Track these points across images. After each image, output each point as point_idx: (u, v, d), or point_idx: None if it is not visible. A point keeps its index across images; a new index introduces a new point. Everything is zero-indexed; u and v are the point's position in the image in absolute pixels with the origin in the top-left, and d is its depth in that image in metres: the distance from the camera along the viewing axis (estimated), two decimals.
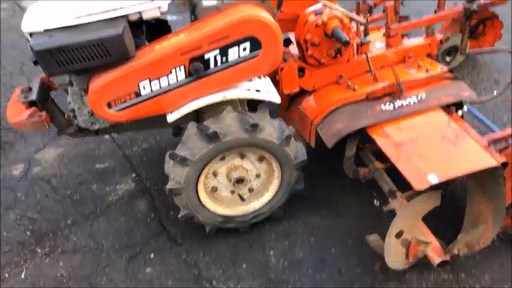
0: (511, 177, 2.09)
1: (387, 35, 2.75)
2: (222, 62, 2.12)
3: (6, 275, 2.53)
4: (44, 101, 2.34)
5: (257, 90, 2.30)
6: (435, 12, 3.12)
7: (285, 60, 2.56)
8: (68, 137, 2.55)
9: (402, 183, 2.14)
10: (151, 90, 2.11)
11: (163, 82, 2.10)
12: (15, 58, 4.68)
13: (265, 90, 2.35)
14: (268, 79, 2.50)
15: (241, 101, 2.39)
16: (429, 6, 4.49)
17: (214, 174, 2.40)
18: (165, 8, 2.12)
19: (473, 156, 2.09)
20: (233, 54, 2.11)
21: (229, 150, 2.28)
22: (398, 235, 2.13)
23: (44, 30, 2.00)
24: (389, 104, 2.42)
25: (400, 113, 2.38)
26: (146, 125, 2.53)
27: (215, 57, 2.10)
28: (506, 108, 3.29)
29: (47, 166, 3.25)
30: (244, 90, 2.26)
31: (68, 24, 2.00)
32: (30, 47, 1.93)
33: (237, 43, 2.08)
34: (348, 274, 2.37)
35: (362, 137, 2.45)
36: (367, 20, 2.52)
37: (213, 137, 2.17)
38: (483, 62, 3.81)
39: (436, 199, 2.10)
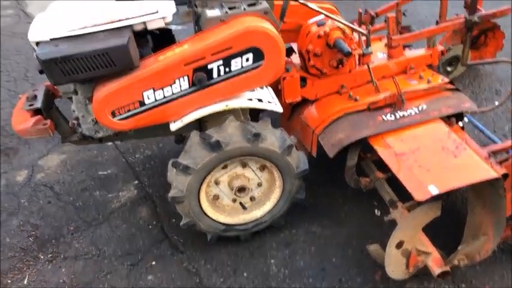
0: (511, 189, 2.11)
1: (389, 46, 2.77)
2: (225, 72, 2.15)
3: (9, 281, 2.55)
4: (48, 108, 2.37)
5: (259, 100, 2.33)
6: (437, 23, 3.15)
7: (287, 70, 2.58)
8: (71, 144, 2.57)
9: (403, 193, 2.16)
10: (155, 99, 2.13)
11: (167, 92, 2.13)
12: (20, 64, 4.73)
13: (267, 100, 2.37)
14: (270, 89, 2.52)
15: (243, 110, 2.41)
16: (431, 16, 4.54)
17: (216, 183, 2.42)
18: (169, 19, 2.15)
19: (474, 167, 2.10)
20: (236, 64, 2.14)
21: (232, 159, 2.30)
22: (399, 245, 2.13)
23: (50, 39, 2.03)
24: (390, 115, 2.45)
25: (401, 123, 2.40)
26: (149, 133, 2.55)
27: (218, 67, 2.13)
28: (507, 118, 3.31)
29: (50, 172, 3.28)
30: (247, 100, 2.29)
31: (73, 34, 2.03)
32: (37, 56, 1.96)
33: (240, 54, 2.11)
34: (348, 283, 2.38)
35: (363, 146, 2.47)
36: (369, 31, 2.54)
37: (216, 146, 2.19)
38: (484, 72, 3.84)
39: (437, 210, 2.11)
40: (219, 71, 2.13)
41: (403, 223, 2.16)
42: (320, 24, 2.52)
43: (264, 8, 2.19)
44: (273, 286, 2.41)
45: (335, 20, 2.47)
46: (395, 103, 2.50)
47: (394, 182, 2.29)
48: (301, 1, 2.33)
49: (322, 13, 2.42)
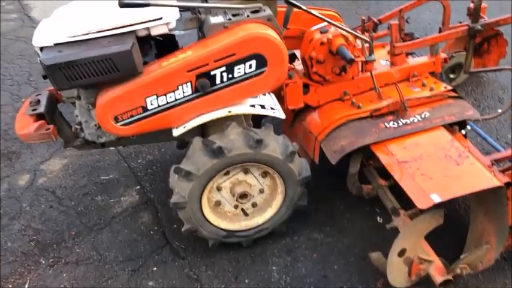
0: None
1: (392, 54, 2.77)
2: (228, 79, 2.15)
3: (10, 286, 2.54)
4: (51, 113, 2.37)
5: (262, 106, 2.33)
6: (440, 30, 3.16)
7: (290, 77, 2.59)
8: (74, 149, 2.57)
9: (405, 200, 2.15)
10: (158, 105, 2.14)
11: (170, 98, 2.13)
12: (23, 68, 4.74)
13: (270, 106, 2.37)
14: (272, 95, 2.52)
15: (245, 116, 2.41)
16: (434, 23, 4.55)
17: (218, 189, 2.41)
18: (173, 25, 2.16)
19: (476, 176, 2.10)
20: (239, 71, 2.14)
21: (234, 165, 2.30)
22: (401, 253, 2.13)
23: (54, 45, 2.03)
24: (393, 122, 2.45)
25: (403, 131, 2.40)
26: (152, 138, 2.56)
27: (221, 73, 2.13)
28: (509, 126, 3.30)
29: (52, 177, 3.28)
30: (249, 106, 2.29)
31: (77, 39, 2.04)
32: (41, 62, 1.97)
33: (243, 60, 2.12)
34: None
35: (366, 153, 2.47)
36: (371, 38, 2.55)
37: (218, 152, 2.19)
38: (487, 79, 3.83)
39: (439, 218, 2.10)
40: (222, 77, 2.14)
41: (406, 231, 2.16)
42: (323, 31, 2.52)
43: (267, 15, 2.19)
44: None
45: (338, 27, 2.48)
46: (398, 110, 2.50)
47: (396, 189, 2.29)
48: (305, 8, 2.33)
49: (325, 20, 2.42)
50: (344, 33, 2.51)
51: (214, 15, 2.21)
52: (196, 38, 2.45)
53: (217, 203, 2.47)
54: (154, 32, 2.13)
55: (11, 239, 2.82)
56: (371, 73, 2.60)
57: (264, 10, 2.22)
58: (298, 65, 2.80)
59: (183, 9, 2.29)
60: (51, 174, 3.31)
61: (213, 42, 2.11)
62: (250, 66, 2.14)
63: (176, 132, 2.24)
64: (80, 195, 3.10)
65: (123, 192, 3.10)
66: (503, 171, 2.12)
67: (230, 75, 2.14)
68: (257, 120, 2.67)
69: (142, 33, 2.11)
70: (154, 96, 2.11)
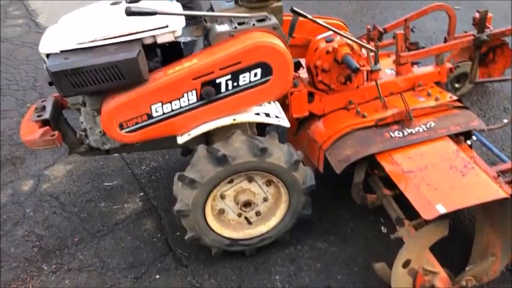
0: None
1: (397, 63, 2.77)
2: (233, 87, 2.15)
3: None
4: (56, 119, 2.38)
5: (266, 115, 2.32)
6: (445, 40, 3.15)
7: (294, 85, 2.59)
8: (78, 155, 2.57)
9: (410, 210, 2.14)
10: (163, 112, 2.14)
11: (175, 105, 2.13)
12: (29, 73, 4.77)
13: (275, 115, 2.37)
14: (277, 103, 2.52)
15: (250, 124, 2.41)
16: (439, 32, 4.56)
17: (222, 197, 2.41)
18: (179, 33, 2.17)
19: (482, 187, 2.08)
20: (244, 79, 2.14)
21: (238, 173, 2.29)
22: (406, 264, 2.11)
23: (61, 52, 2.04)
24: (398, 132, 2.44)
25: (409, 140, 2.39)
26: (156, 145, 2.56)
27: (226, 81, 2.13)
28: None
29: (56, 182, 3.28)
30: (254, 115, 2.28)
31: (83, 47, 2.04)
32: (47, 68, 1.97)
33: (249, 69, 2.12)
34: None
35: (371, 162, 2.46)
36: (377, 47, 2.55)
37: (222, 160, 2.19)
38: (492, 89, 3.82)
39: (444, 229, 2.09)
40: (227, 85, 2.14)
41: (410, 242, 2.14)
42: (329, 40, 2.52)
43: (273, 23, 2.20)
44: None
45: (343, 36, 2.48)
46: (403, 120, 2.49)
47: (401, 199, 2.28)
48: (310, 17, 2.34)
49: (330, 29, 2.43)
50: (349, 42, 2.51)
51: (220, 23, 2.22)
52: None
53: (221, 211, 2.46)
54: (161, 40, 2.13)
55: (14, 245, 2.82)
56: (376, 82, 2.59)
57: (270, 19, 2.22)
58: (303, 73, 2.80)
59: (189, 17, 2.29)
60: (55, 179, 3.31)
61: (218, 50, 2.12)
62: (255, 75, 2.14)
63: (181, 140, 2.24)
64: (84, 201, 3.10)
65: (127, 198, 3.10)
66: (509, 183, 2.11)
67: (235, 84, 2.14)
68: (261, 129, 2.67)
69: (149, 41, 2.12)
70: (160, 104, 2.11)
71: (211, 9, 2.47)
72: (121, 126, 2.12)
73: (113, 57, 1.98)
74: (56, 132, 2.27)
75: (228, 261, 2.58)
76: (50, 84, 2.10)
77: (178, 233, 2.76)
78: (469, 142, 2.49)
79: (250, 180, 2.39)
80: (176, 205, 2.31)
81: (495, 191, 2.04)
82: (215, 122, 2.23)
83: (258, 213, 2.50)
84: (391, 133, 2.44)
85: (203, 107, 2.17)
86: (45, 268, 2.66)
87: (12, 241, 2.85)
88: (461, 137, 2.44)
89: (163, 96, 2.09)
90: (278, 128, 2.66)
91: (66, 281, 2.57)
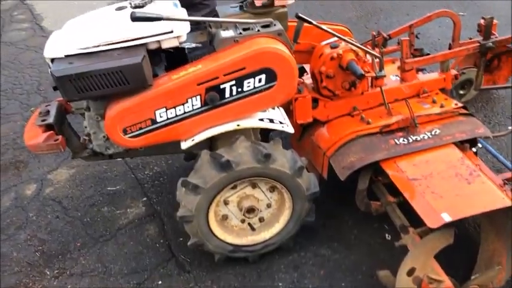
0: None
1: (402, 69, 2.76)
2: (237, 92, 2.15)
3: None
4: (60, 124, 2.38)
5: (270, 120, 2.32)
6: (450, 46, 3.14)
7: (299, 91, 2.58)
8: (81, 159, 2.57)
9: (414, 218, 2.12)
10: (167, 118, 2.13)
11: (179, 110, 2.13)
12: (33, 77, 4.77)
13: (279, 120, 2.36)
14: (281, 109, 2.51)
15: (254, 130, 2.40)
16: (443, 38, 4.54)
17: (225, 203, 2.40)
18: (183, 38, 2.16)
19: (488, 195, 2.07)
20: (249, 85, 2.13)
21: (241, 179, 2.28)
22: (410, 272, 2.09)
23: (65, 56, 2.04)
24: (403, 139, 2.43)
25: (414, 147, 2.38)
26: (159, 150, 2.55)
27: (231, 87, 2.13)
28: None
29: (59, 187, 3.28)
30: (258, 120, 2.28)
31: (88, 51, 2.04)
32: (51, 73, 1.97)
33: (253, 74, 2.11)
34: None
35: (375, 169, 2.44)
36: (382, 54, 2.54)
37: (226, 165, 2.18)
38: (497, 96, 3.81)
39: (449, 237, 2.07)
40: (231, 91, 2.13)
41: (415, 250, 2.12)
42: (333, 46, 2.51)
43: (278, 29, 2.20)
44: None
45: (348, 42, 2.47)
46: (408, 127, 2.48)
47: (405, 206, 2.26)
48: (315, 23, 2.33)
49: (335, 35, 2.42)
50: (354, 48, 2.50)
51: (225, 29, 2.22)
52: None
53: (224, 217, 2.45)
54: (165, 45, 2.13)
55: (17, 249, 2.81)
56: (381, 89, 2.58)
57: (275, 25, 2.22)
58: (307, 78, 2.79)
59: (194, 23, 2.29)
60: (58, 184, 3.31)
61: (223, 56, 2.11)
62: (259, 81, 2.14)
63: (184, 145, 2.23)
64: (87, 205, 3.09)
65: (130, 203, 3.09)
66: None
67: (239, 89, 2.14)
68: (265, 134, 2.66)
69: (153, 46, 2.12)
70: (164, 109, 2.10)
71: (217, 14, 2.47)
72: (125, 131, 2.12)
73: (117, 62, 1.98)
74: (60, 137, 2.27)
75: (231, 268, 2.57)
76: (55, 88, 2.09)
77: (181, 239, 2.75)
78: (474, 149, 2.48)
79: (254, 186, 2.38)
80: (179, 211, 2.30)
81: (501, 200, 2.02)
82: (219, 128, 2.22)
83: (261, 220, 2.49)
84: (396, 140, 2.43)
85: (207, 113, 2.17)
86: (48, 273, 2.65)
87: (14, 245, 2.84)
88: (466, 144, 2.42)
89: (168, 102, 2.09)
90: (281, 134, 2.66)
91: (69, 286, 2.57)
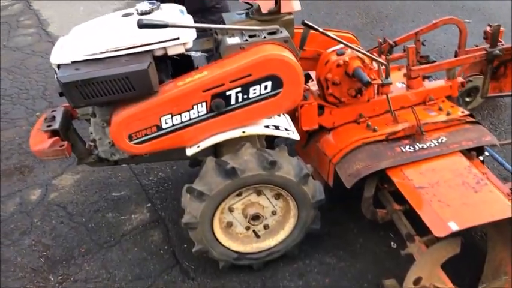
0: None
1: (408, 77, 2.75)
2: (243, 99, 2.14)
3: None
4: (66, 130, 2.38)
5: (276, 127, 2.31)
6: (456, 54, 3.13)
7: (304, 98, 2.57)
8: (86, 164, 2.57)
9: (420, 226, 2.10)
10: (173, 124, 2.13)
11: (185, 117, 2.13)
12: (39, 82, 4.78)
13: (284, 127, 2.35)
14: (287, 116, 2.51)
15: (259, 137, 2.39)
16: (449, 45, 4.54)
17: (230, 210, 2.39)
18: (190, 45, 2.17)
19: (495, 204, 2.05)
20: (254, 92, 2.13)
21: (247, 186, 2.27)
22: (417, 282, 2.07)
23: (72, 62, 2.05)
24: (409, 146, 2.41)
25: (420, 155, 2.36)
26: (164, 157, 2.55)
27: (237, 94, 2.12)
28: None
29: (63, 192, 3.28)
30: (264, 127, 2.27)
31: (94, 58, 2.05)
32: (57, 79, 1.98)
33: (259, 81, 2.11)
34: None
35: (381, 176, 2.43)
36: (388, 61, 2.53)
37: (231, 172, 2.17)
38: (504, 103, 3.79)
39: (456, 246, 2.05)
40: (237, 97, 2.13)
41: (421, 259, 2.10)
42: (339, 53, 2.51)
43: (284, 36, 2.19)
44: None
45: (354, 49, 2.47)
46: (414, 134, 2.47)
47: (411, 215, 2.24)
48: (321, 30, 2.33)
49: (341, 42, 2.41)
50: (360, 55, 2.50)
51: (231, 36, 2.22)
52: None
53: (229, 224, 2.44)
54: (171, 52, 2.13)
55: (21, 254, 2.81)
56: (387, 96, 2.57)
57: (281, 32, 2.22)
58: (313, 85, 2.79)
59: (200, 29, 2.29)
60: (62, 189, 3.31)
61: (229, 62, 2.11)
62: (265, 87, 2.14)
63: (190, 152, 2.23)
64: (91, 211, 3.09)
65: (134, 209, 3.08)
66: None
67: (245, 96, 2.14)
68: (270, 141, 2.65)
69: (159, 53, 2.12)
70: (169, 116, 2.10)
71: (223, 21, 2.47)
72: (130, 138, 2.12)
73: (123, 69, 1.98)
74: (65, 143, 2.27)
75: (236, 275, 2.56)
76: (61, 94, 2.09)
77: (185, 245, 2.74)
78: (481, 158, 2.46)
79: (259, 193, 2.37)
80: (184, 217, 2.29)
81: (508, 209, 2.00)
82: (224, 134, 2.22)
83: (266, 227, 2.48)
84: (402, 148, 2.42)
85: (213, 119, 2.17)
86: (52, 279, 2.64)
87: (19, 250, 2.84)
88: (473, 152, 2.41)
89: (173, 108, 2.09)
90: (286, 140, 2.65)
91: None
